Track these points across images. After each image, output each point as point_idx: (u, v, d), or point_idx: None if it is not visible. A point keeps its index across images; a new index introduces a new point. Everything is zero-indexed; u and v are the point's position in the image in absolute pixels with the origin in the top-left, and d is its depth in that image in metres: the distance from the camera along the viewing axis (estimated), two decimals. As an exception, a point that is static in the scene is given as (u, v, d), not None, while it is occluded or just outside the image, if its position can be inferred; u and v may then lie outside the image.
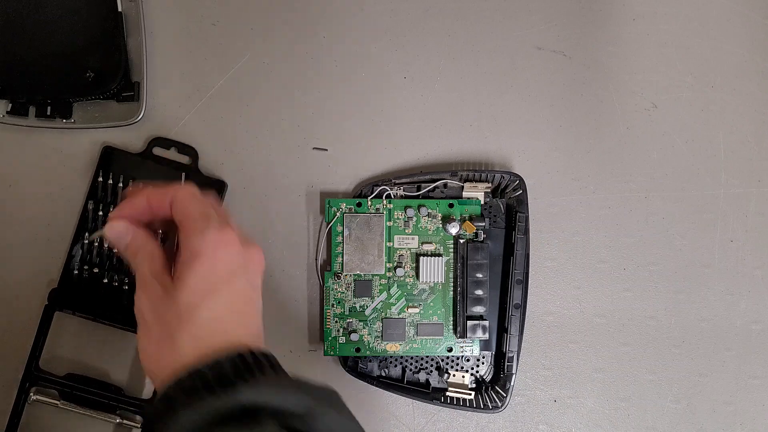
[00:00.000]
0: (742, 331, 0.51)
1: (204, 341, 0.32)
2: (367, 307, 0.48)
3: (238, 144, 0.51)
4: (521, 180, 0.49)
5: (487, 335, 0.48)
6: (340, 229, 0.49)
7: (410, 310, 0.49)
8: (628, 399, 0.50)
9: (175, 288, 0.33)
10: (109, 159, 0.50)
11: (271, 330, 0.50)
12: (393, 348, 0.48)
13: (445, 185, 0.50)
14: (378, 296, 0.49)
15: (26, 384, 0.47)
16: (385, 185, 0.49)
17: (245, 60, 0.52)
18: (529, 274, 0.49)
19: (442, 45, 0.53)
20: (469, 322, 0.47)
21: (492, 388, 0.48)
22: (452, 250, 0.49)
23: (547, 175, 0.52)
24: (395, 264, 0.49)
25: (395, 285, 0.49)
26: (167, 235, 0.38)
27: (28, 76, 0.50)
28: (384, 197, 0.49)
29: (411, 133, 0.52)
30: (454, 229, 0.48)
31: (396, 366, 0.49)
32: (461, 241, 0.49)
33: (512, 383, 0.47)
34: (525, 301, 0.48)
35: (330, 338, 0.48)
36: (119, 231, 0.37)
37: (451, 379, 0.49)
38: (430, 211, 0.49)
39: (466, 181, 0.50)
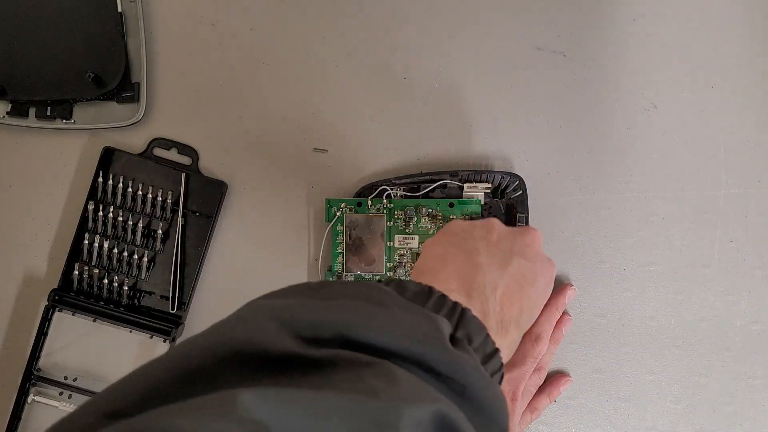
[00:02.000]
0: (742, 331, 0.51)
1: None
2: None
3: (238, 144, 0.51)
4: (521, 180, 0.49)
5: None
6: (340, 229, 0.49)
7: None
8: (628, 399, 0.50)
9: None
10: (109, 159, 0.50)
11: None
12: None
13: (445, 186, 0.49)
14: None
15: (26, 384, 0.47)
16: (385, 185, 0.49)
17: (245, 60, 0.52)
18: (529, 274, 0.49)
19: (442, 45, 0.53)
20: (469, 322, 0.47)
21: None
22: (452, 250, 0.49)
23: (547, 175, 0.52)
24: (395, 264, 0.49)
25: (395, 285, 0.49)
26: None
27: (28, 76, 0.50)
28: (384, 197, 0.49)
29: (411, 133, 0.52)
30: (454, 229, 0.48)
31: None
32: (461, 241, 0.49)
33: (512, 383, 0.47)
34: (525, 301, 0.48)
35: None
36: None
37: (451, 379, 0.49)
38: (430, 210, 0.49)
39: (466, 181, 0.50)
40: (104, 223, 0.49)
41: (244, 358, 0.22)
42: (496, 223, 0.40)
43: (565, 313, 0.49)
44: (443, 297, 0.29)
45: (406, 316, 0.26)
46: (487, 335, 0.29)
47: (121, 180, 0.50)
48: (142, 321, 0.49)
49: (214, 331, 0.24)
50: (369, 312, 0.25)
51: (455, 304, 0.29)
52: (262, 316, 0.24)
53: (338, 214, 0.49)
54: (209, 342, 0.23)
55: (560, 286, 0.50)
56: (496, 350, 0.29)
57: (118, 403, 0.21)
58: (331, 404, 0.20)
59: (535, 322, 0.47)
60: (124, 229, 0.50)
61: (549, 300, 0.48)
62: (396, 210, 0.49)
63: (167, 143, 0.51)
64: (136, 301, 0.50)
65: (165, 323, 0.49)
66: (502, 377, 0.30)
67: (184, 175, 0.50)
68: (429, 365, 0.24)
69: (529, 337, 0.46)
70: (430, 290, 0.29)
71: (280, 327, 0.24)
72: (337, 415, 0.20)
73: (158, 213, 0.50)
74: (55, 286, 0.49)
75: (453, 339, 0.27)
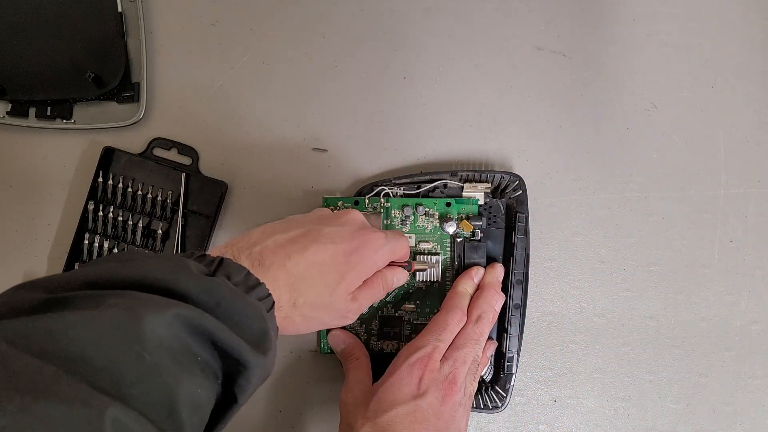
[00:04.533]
0: (742, 331, 0.51)
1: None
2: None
3: (238, 144, 0.51)
4: (521, 180, 0.49)
5: (486, 335, 0.47)
6: (339, 229, 0.49)
7: (407, 308, 0.48)
8: (628, 399, 0.50)
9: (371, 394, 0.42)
10: (109, 159, 0.50)
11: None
12: (390, 346, 0.48)
13: (445, 185, 0.49)
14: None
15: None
16: (385, 185, 0.49)
17: (245, 60, 0.52)
18: (529, 274, 0.49)
19: (442, 45, 0.53)
20: (469, 322, 0.47)
21: (492, 388, 0.48)
22: (449, 248, 0.49)
23: (547, 175, 0.52)
24: (394, 264, 0.49)
25: (395, 285, 0.49)
26: None
27: (28, 76, 0.50)
28: (382, 196, 0.49)
29: (411, 133, 0.52)
30: (451, 228, 0.48)
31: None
32: (458, 240, 0.49)
33: (512, 383, 0.47)
34: (525, 301, 0.48)
35: (326, 336, 0.48)
36: (337, 338, 0.47)
37: (451, 379, 0.49)
38: (427, 209, 0.49)
39: (466, 181, 0.50)
40: (104, 223, 0.49)
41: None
42: (323, 209, 0.45)
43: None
44: (203, 255, 0.33)
45: (152, 261, 0.30)
46: (248, 272, 0.33)
47: (121, 180, 0.50)
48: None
49: None
50: (112, 264, 0.30)
51: (214, 257, 0.33)
52: (15, 288, 0.28)
53: (338, 213, 0.49)
54: None
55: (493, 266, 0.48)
56: (259, 283, 0.33)
57: None
58: (67, 320, 0.24)
59: (473, 305, 0.46)
60: (124, 229, 0.50)
61: (483, 282, 0.47)
62: (393, 209, 0.49)
63: (167, 143, 0.51)
64: (136, 300, 0.50)
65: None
66: (273, 304, 0.33)
67: (184, 175, 0.50)
68: (174, 290, 0.28)
69: (470, 319, 0.46)
70: (192, 252, 0.33)
71: (30, 289, 0.27)
72: (75, 326, 0.24)
73: (158, 213, 0.50)
74: (55, 286, 0.49)
75: (211, 276, 0.31)
